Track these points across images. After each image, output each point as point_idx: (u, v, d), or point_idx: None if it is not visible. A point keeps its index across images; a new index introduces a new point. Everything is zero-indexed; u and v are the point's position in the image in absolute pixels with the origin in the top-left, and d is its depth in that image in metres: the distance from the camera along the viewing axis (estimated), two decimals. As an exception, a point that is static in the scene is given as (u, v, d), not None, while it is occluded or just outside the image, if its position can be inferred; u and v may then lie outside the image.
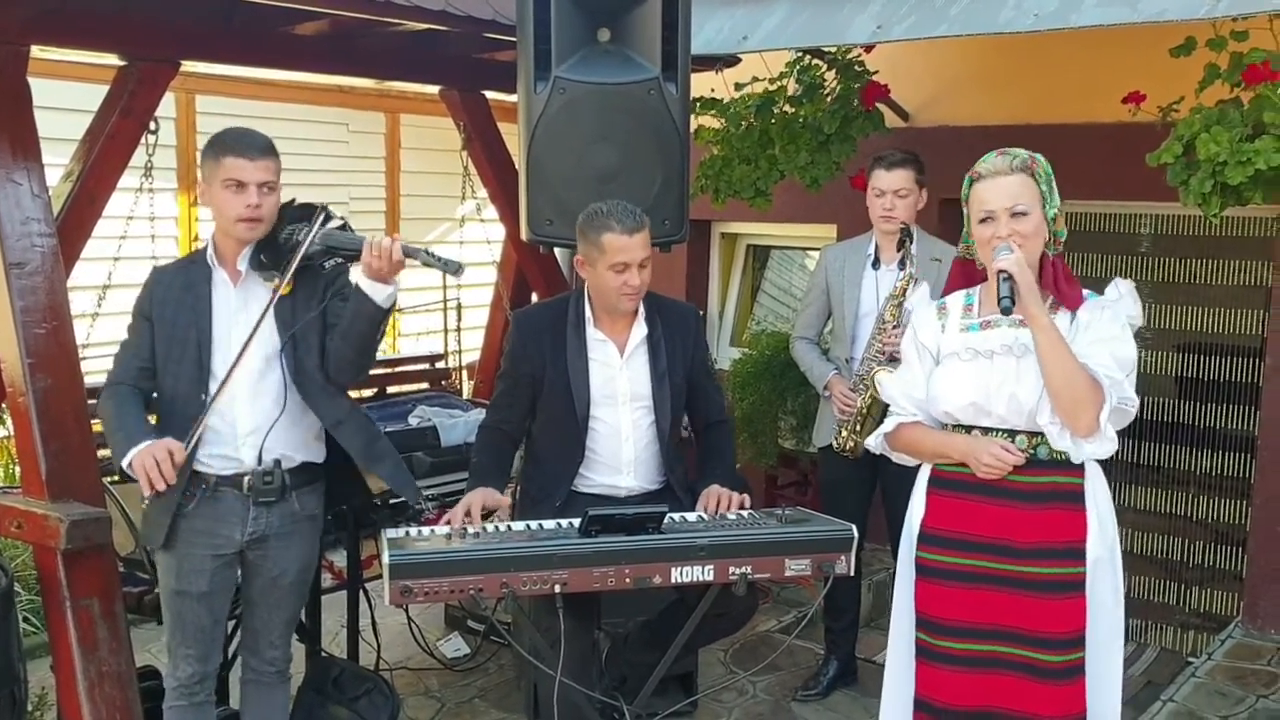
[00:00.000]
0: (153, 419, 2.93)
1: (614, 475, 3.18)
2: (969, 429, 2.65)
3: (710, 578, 2.69)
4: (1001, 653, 2.61)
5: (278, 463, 2.90)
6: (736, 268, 6.23)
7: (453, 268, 2.76)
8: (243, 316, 2.89)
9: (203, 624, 2.94)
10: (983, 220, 2.60)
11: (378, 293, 2.77)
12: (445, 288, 6.25)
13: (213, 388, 2.85)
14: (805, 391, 4.76)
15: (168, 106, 5.62)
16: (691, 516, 2.96)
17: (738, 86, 4.53)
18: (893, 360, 3.45)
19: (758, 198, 4.43)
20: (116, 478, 3.54)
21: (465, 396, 5.19)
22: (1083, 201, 4.70)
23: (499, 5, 3.77)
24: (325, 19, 3.62)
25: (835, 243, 4.48)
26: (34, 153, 3.23)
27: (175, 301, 2.89)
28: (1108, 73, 4.12)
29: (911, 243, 3.74)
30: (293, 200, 2.97)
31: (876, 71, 4.39)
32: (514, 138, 3.59)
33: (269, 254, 2.88)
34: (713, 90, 4.53)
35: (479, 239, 5.02)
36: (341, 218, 2.94)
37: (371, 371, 4.77)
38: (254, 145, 2.84)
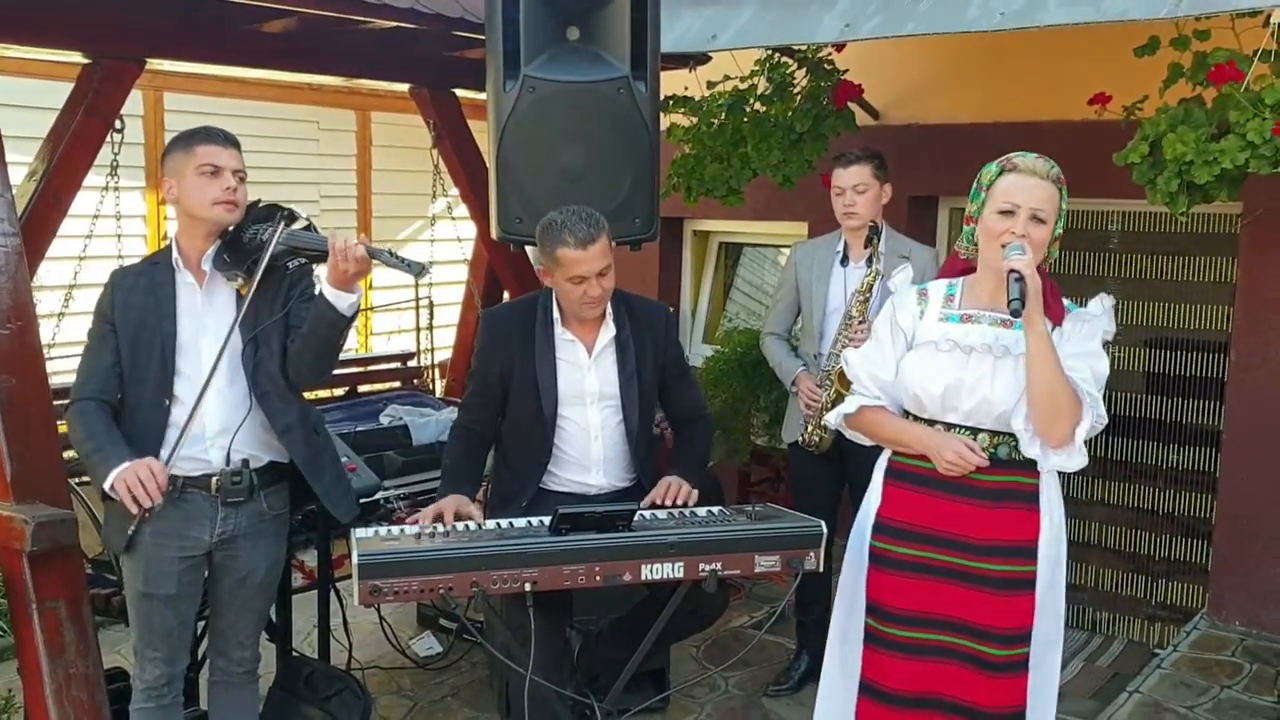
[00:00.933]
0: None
1: (583, 473, 3.19)
2: (932, 422, 2.66)
3: (680, 575, 2.69)
4: (948, 642, 2.64)
5: (245, 463, 2.89)
6: (709, 265, 6.24)
7: (415, 269, 2.74)
8: (209, 319, 2.88)
9: (170, 626, 2.92)
10: (1003, 212, 2.55)
11: (340, 300, 2.76)
12: (417, 286, 6.23)
13: (178, 389, 2.83)
14: (777, 388, 4.77)
15: (135, 104, 5.58)
16: (661, 514, 2.97)
17: (710, 85, 4.54)
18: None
19: (730, 195, 4.45)
20: (84, 479, 3.53)
21: (437, 395, 5.18)
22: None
23: (467, 3, 3.76)
24: (293, 17, 3.59)
25: (805, 240, 4.50)
26: (-3, 151, 3.20)
27: (139, 305, 2.86)
28: (1074, 71, 4.16)
29: (879, 240, 3.76)
30: (258, 201, 2.96)
31: (846, 70, 4.41)
32: (485, 135, 3.58)
33: (232, 253, 2.87)
34: (686, 89, 4.54)
35: (450, 237, 5.02)
36: (306, 218, 2.94)
37: (343, 370, 4.79)
38: (225, 136, 2.88)
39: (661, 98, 3.79)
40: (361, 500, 3.66)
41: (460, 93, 4.62)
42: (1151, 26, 3.34)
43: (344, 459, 3.65)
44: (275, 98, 6.43)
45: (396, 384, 5.09)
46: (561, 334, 3.16)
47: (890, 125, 5.09)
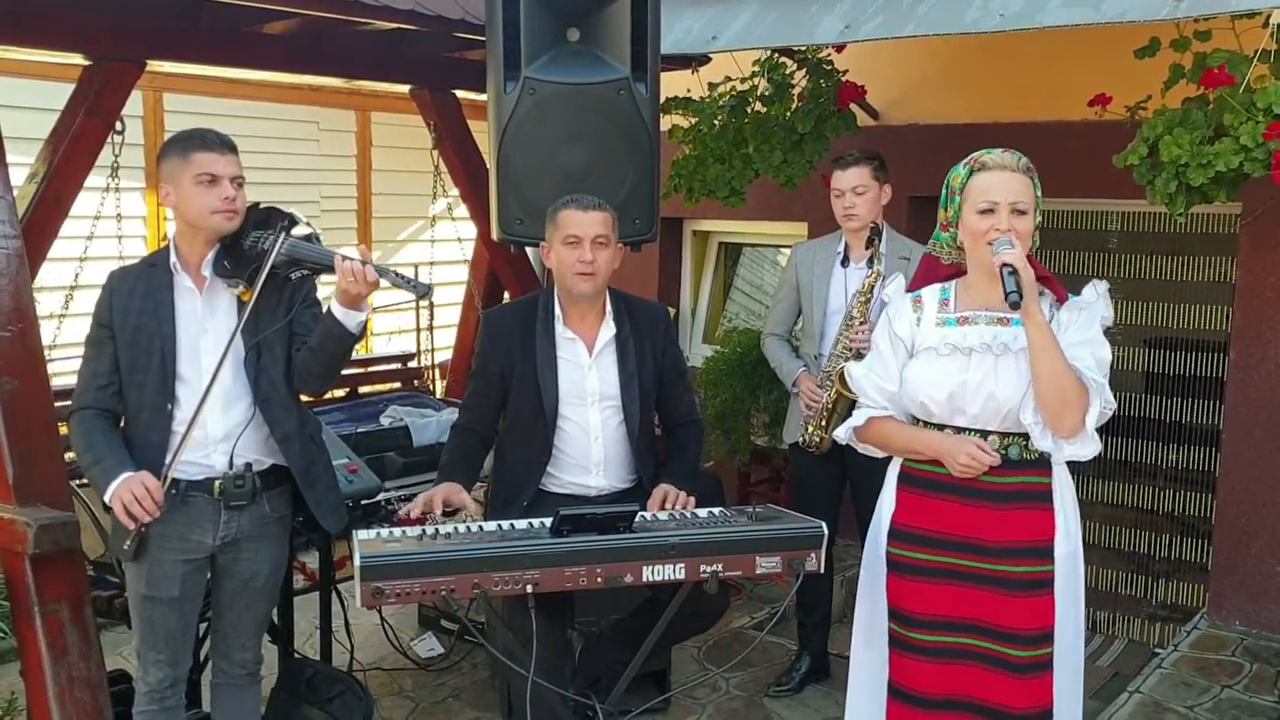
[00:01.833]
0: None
1: (583, 475, 3.19)
2: (941, 427, 2.66)
3: (682, 576, 2.69)
4: (972, 645, 2.64)
5: (248, 466, 2.89)
6: (709, 265, 6.25)
7: (421, 290, 2.75)
8: (210, 323, 2.88)
9: (173, 629, 2.92)
10: (983, 211, 2.56)
11: (349, 319, 2.77)
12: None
13: (180, 394, 2.83)
14: (777, 389, 4.78)
15: (135, 105, 5.58)
16: (663, 515, 2.97)
17: (711, 86, 4.54)
18: (860, 356, 3.47)
19: (732, 196, 4.45)
20: (85, 481, 3.53)
21: (437, 396, 5.18)
22: (1051, 199, 4.72)
23: (468, 5, 3.76)
24: (294, 18, 3.59)
25: (806, 240, 4.51)
26: (-2, 153, 3.21)
27: (137, 310, 2.85)
28: (1075, 71, 4.16)
29: (880, 241, 3.77)
30: (257, 204, 2.95)
31: (846, 71, 4.41)
32: (485, 136, 3.59)
33: (233, 260, 2.86)
34: (689, 90, 4.54)
35: (450, 238, 5.02)
36: (308, 224, 2.92)
37: (343, 371, 4.77)
38: (221, 141, 2.84)
39: (662, 99, 3.80)
40: (363, 501, 3.67)
41: (461, 94, 4.62)
42: (1152, 28, 3.35)
43: (345, 460, 3.67)
44: (275, 98, 6.43)
45: (397, 385, 5.09)
46: (562, 332, 3.16)
47: (890, 125, 5.09)
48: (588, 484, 3.20)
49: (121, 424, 2.92)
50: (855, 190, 3.81)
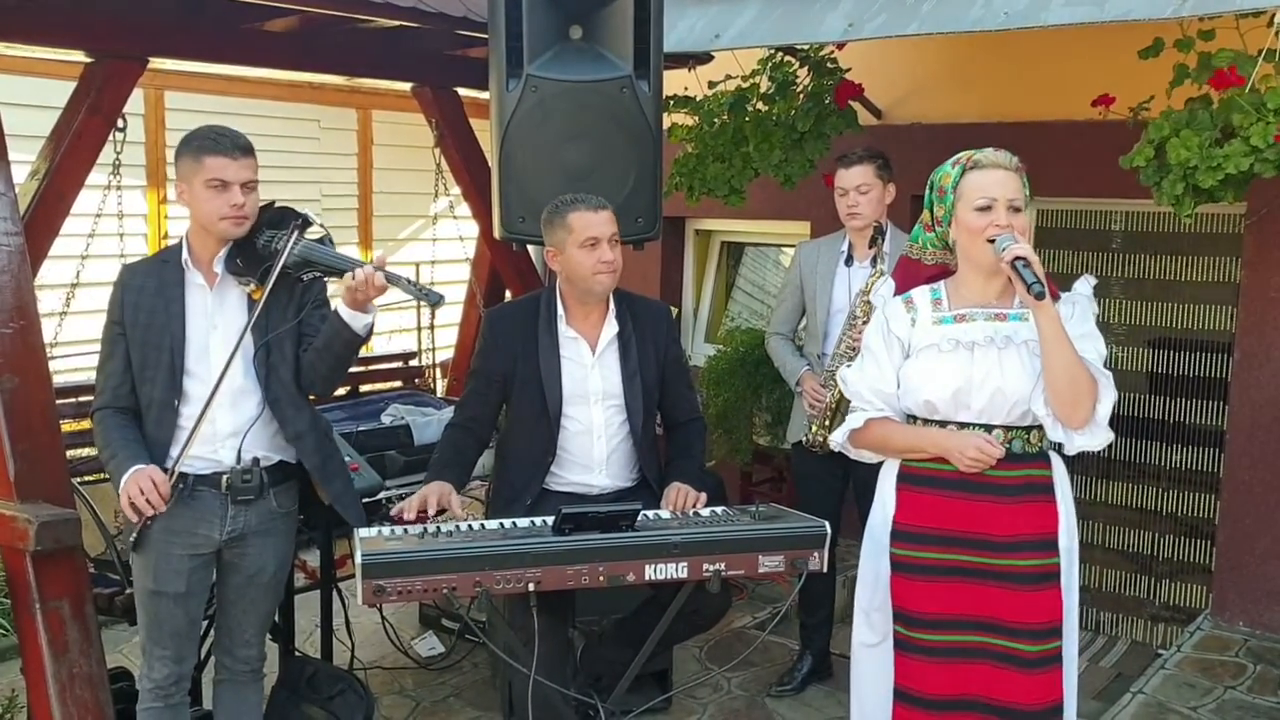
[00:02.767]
0: None
1: (586, 473, 3.19)
2: (944, 424, 2.65)
3: (684, 575, 2.69)
4: (980, 643, 2.64)
5: (256, 461, 2.90)
6: (711, 264, 6.24)
7: (433, 299, 2.76)
8: (219, 320, 2.88)
9: (179, 625, 2.92)
10: (980, 208, 2.57)
11: (356, 321, 2.78)
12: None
13: (189, 390, 2.84)
14: (780, 388, 4.77)
15: (136, 103, 5.58)
16: (665, 514, 2.97)
17: (711, 85, 4.53)
18: (863, 357, 3.47)
19: (732, 195, 4.44)
20: (86, 478, 3.52)
21: (438, 395, 5.17)
22: (1055, 198, 4.74)
23: (470, 2, 3.76)
24: (295, 15, 3.59)
25: (810, 240, 4.50)
26: (0, 150, 3.20)
27: (148, 306, 2.85)
28: (1079, 70, 4.15)
29: (884, 240, 3.76)
30: (272, 203, 2.95)
31: (849, 69, 4.40)
32: (487, 134, 3.58)
33: (245, 258, 2.86)
34: (686, 88, 4.53)
35: (452, 236, 5.01)
36: (321, 225, 2.92)
37: (345, 370, 4.78)
38: (236, 144, 2.82)
39: (664, 97, 3.79)
40: (364, 500, 3.66)
41: (463, 91, 4.61)
42: (1156, 27, 3.34)
43: (346, 458, 3.66)
44: (276, 96, 6.43)
45: (398, 383, 5.08)
46: (565, 331, 3.16)
47: (893, 124, 5.08)
48: (590, 482, 3.19)
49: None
50: (859, 189, 3.80)
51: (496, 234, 3.56)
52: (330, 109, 6.92)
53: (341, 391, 4.73)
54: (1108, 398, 2.54)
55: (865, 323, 3.64)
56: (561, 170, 3.39)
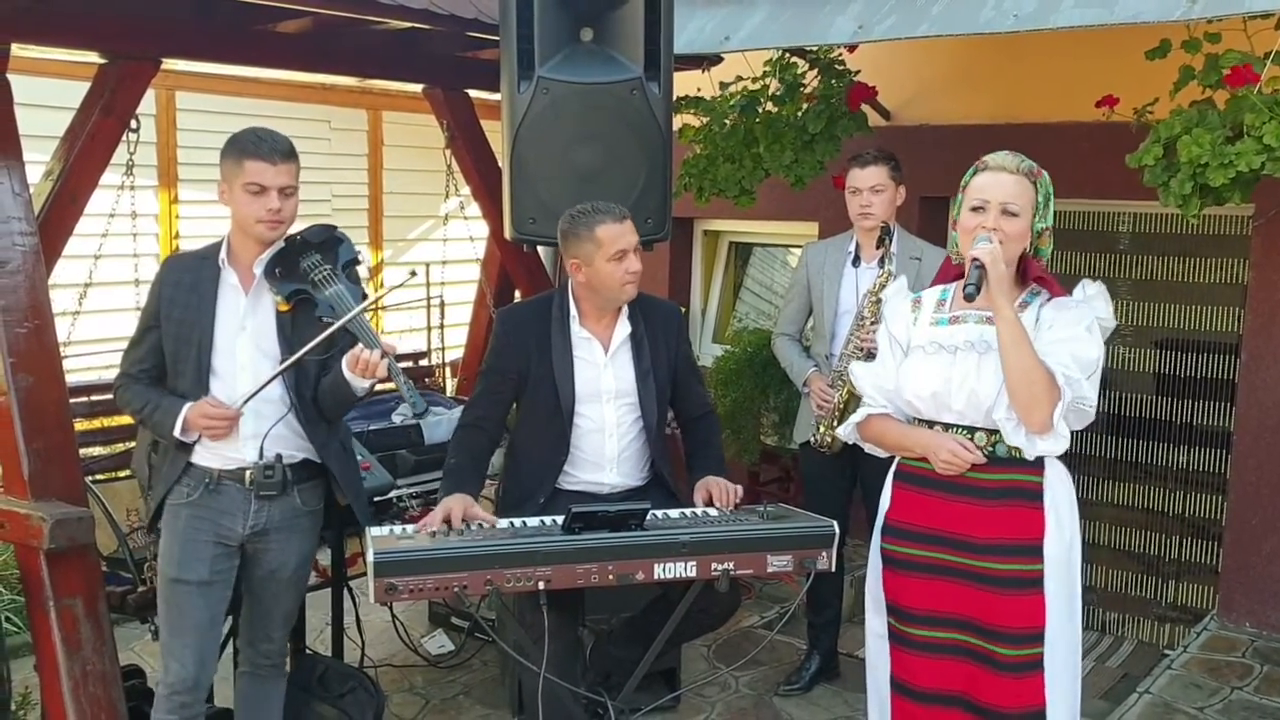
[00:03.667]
0: None
1: (597, 472, 3.21)
2: (931, 424, 2.70)
3: (693, 574, 2.71)
4: (963, 641, 2.67)
5: (279, 457, 2.92)
6: (719, 265, 6.25)
7: (419, 407, 2.86)
8: (250, 322, 2.91)
9: (200, 618, 2.91)
10: (974, 209, 2.62)
11: (355, 383, 2.87)
12: (429, 285, 6.24)
13: (214, 388, 2.87)
14: (787, 388, 4.78)
15: (148, 103, 5.59)
16: (674, 513, 2.98)
17: (722, 85, 4.55)
18: (870, 356, 3.49)
19: (742, 196, 4.45)
20: (99, 477, 3.55)
21: (448, 394, 5.19)
22: (1062, 200, 4.72)
23: (482, 4, 3.77)
24: (307, 17, 3.61)
25: (817, 240, 4.51)
26: (14, 151, 3.22)
27: (183, 301, 2.90)
28: (1086, 73, 4.16)
29: (891, 241, 3.78)
30: (333, 227, 2.98)
31: (858, 71, 4.41)
32: (498, 135, 3.60)
33: (285, 269, 2.91)
34: (699, 90, 4.54)
35: (462, 236, 5.03)
36: (366, 269, 2.97)
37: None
38: (276, 149, 2.85)
39: (674, 98, 3.80)
40: (375, 499, 3.69)
41: (474, 93, 4.63)
42: (1163, 28, 3.34)
43: (357, 457, 3.68)
44: (287, 97, 6.44)
45: (413, 385, 5.09)
46: (578, 332, 3.17)
47: (902, 126, 5.10)
48: (601, 481, 3.21)
49: None
50: (873, 189, 3.82)
51: (507, 235, 3.58)
52: (341, 110, 6.93)
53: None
54: (1065, 402, 2.53)
55: (873, 323, 3.68)
56: (572, 171, 3.42)
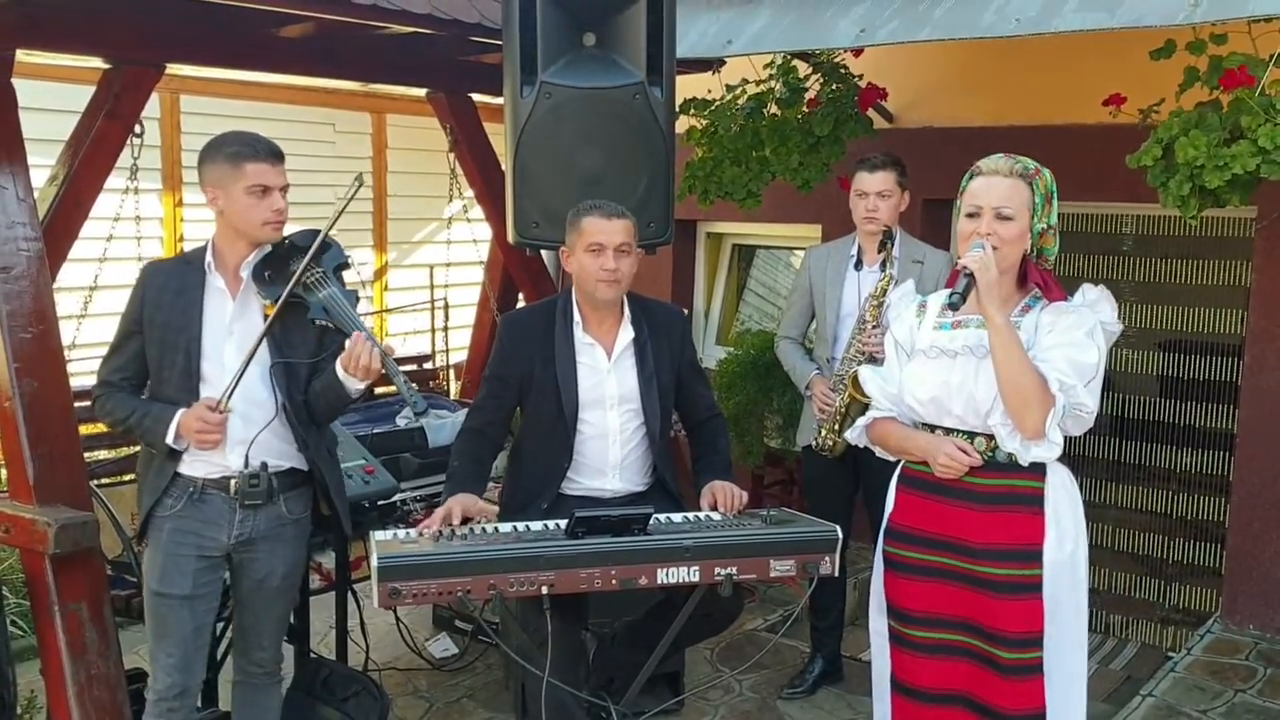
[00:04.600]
0: None
1: (599, 478, 3.21)
2: (932, 428, 2.70)
3: (696, 579, 2.71)
4: (963, 642, 2.68)
5: (264, 466, 2.89)
6: (722, 267, 6.26)
7: (420, 407, 2.84)
8: (237, 326, 2.89)
9: (185, 630, 2.90)
10: (969, 215, 2.62)
11: (349, 383, 2.85)
12: (433, 287, 6.26)
13: (203, 394, 2.85)
14: (791, 391, 4.78)
15: (152, 107, 5.60)
16: (677, 518, 2.99)
17: (729, 88, 4.55)
18: (872, 360, 3.49)
19: (748, 199, 4.46)
20: (103, 481, 3.56)
21: (452, 397, 5.20)
22: (1065, 202, 4.72)
23: (484, 9, 3.78)
24: (311, 22, 3.62)
25: (819, 244, 4.51)
26: (19, 156, 3.23)
27: (168, 306, 2.87)
28: (1090, 75, 4.16)
29: (893, 244, 3.78)
30: (319, 233, 2.96)
31: (861, 75, 4.42)
32: (501, 138, 3.61)
33: (274, 272, 2.89)
34: (710, 91, 4.54)
35: (465, 239, 5.04)
36: (358, 272, 2.96)
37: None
38: (273, 151, 2.87)
39: (679, 100, 3.80)
40: (379, 502, 3.69)
41: (477, 96, 4.64)
42: (1168, 30, 3.34)
43: (362, 461, 3.70)
44: (291, 100, 6.45)
45: (413, 386, 5.10)
46: (582, 337, 3.18)
47: (905, 128, 5.10)
48: (604, 486, 3.21)
49: None
50: (881, 194, 3.82)
51: (510, 239, 3.59)
52: (345, 113, 6.95)
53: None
54: (1058, 409, 2.52)
55: (875, 326, 3.68)
56: (575, 176, 3.42)
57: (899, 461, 2.84)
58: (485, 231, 5.04)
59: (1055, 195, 2.66)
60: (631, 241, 3.13)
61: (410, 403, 2.82)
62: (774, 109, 4.46)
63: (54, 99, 4.52)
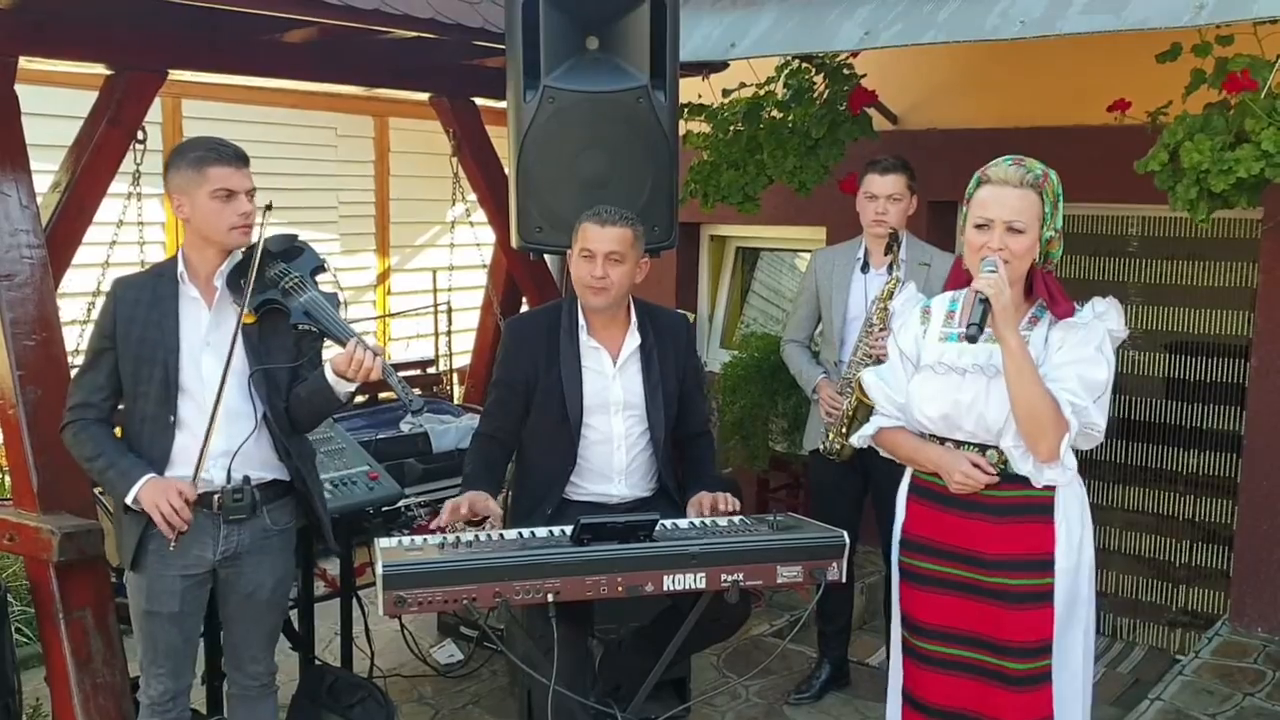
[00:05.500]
0: (117, 431, 2.90)
1: (605, 483, 3.20)
2: (943, 440, 2.68)
3: (702, 585, 2.69)
4: (972, 659, 2.66)
5: (247, 479, 2.84)
6: (726, 270, 6.24)
7: (416, 405, 2.81)
8: (214, 337, 2.83)
9: (175, 644, 2.89)
10: (979, 226, 2.57)
11: (339, 387, 2.80)
12: (435, 291, 6.24)
13: (182, 406, 2.80)
14: (796, 394, 4.77)
15: (154, 112, 5.60)
16: (683, 524, 2.97)
17: (725, 93, 4.54)
18: (880, 363, 3.47)
19: (746, 203, 4.45)
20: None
21: (456, 401, 5.19)
22: (1071, 204, 4.70)
23: (487, 13, 3.77)
24: (313, 27, 3.61)
25: (825, 246, 4.50)
26: (22, 164, 3.23)
27: (142, 320, 2.81)
28: (1096, 76, 4.15)
29: (899, 247, 3.77)
30: (295, 236, 2.94)
31: (865, 75, 4.40)
32: (504, 141, 3.60)
33: (248, 281, 2.82)
34: (700, 96, 4.54)
35: (469, 243, 5.03)
36: (335, 275, 2.94)
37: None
38: (237, 154, 2.82)
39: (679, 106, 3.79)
40: (383, 508, 3.69)
41: (480, 101, 4.63)
42: (1173, 33, 3.33)
43: (365, 467, 3.69)
44: (293, 104, 6.44)
45: (416, 391, 5.08)
46: (587, 342, 3.17)
47: (909, 130, 5.08)
48: (609, 492, 3.20)
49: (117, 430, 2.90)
50: (891, 198, 3.81)
51: (514, 244, 3.58)
52: (347, 116, 6.93)
53: (360, 399, 4.75)
54: (1072, 434, 2.51)
55: (882, 329, 3.67)
56: (578, 180, 3.41)
57: (906, 466, 2.83)
58: (488, 235, 5.03)
59: (1061, 198, 2.63)
60: (625, 250, 3.10)
61: (405, 400, 2.78)
62: (774, 112, 4.45)
63: (57, 104, 4.51)
